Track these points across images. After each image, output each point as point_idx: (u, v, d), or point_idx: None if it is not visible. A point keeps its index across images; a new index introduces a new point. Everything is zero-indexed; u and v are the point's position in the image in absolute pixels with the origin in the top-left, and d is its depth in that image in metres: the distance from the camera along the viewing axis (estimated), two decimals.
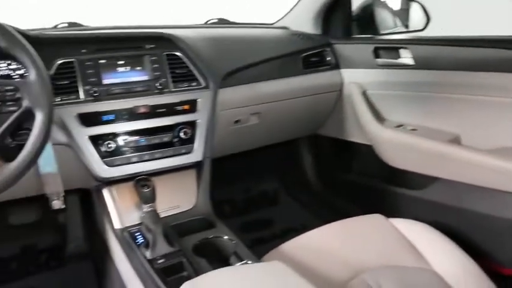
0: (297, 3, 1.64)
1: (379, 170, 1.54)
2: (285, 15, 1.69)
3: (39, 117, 0.81)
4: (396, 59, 1.40)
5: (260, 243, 1.69)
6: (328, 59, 1.55)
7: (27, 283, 1.48)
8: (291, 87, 1.46)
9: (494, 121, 1.21)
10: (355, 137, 1.60)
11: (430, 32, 1.44)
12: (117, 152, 1.08)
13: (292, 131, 1.70)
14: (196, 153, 1.18)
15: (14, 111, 0.81)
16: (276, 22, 1.72)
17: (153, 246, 0.98)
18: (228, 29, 1.56)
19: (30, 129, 0.82)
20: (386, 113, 1.49)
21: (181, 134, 1.15)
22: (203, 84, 1.21)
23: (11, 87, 0.83)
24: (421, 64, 1.33)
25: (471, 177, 1.22)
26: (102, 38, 1.16)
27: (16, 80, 0.96)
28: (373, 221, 1.14)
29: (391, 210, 1.28)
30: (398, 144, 1.38)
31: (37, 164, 0.93)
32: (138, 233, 1.07)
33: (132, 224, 1.11)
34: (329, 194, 1.86)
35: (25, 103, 0.81)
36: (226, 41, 1.40)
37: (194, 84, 1.20)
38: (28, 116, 0.82)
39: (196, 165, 1.23)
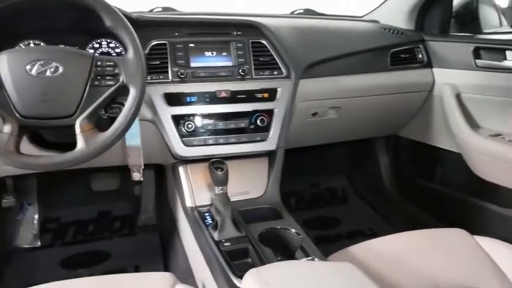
0: None
1: (466, 180, 1.43)
2: (376, 8, 1.62)
3: (132, 93, 0.86)
4: (500, 61, 1.27)
5: (325, 241, 1.63)
6: (419, 56, 1.45)
7: (99, 246, 1.60)
8: (375, 83, 1.39)
9: None
10: (442, 143, 1.50)
11: None
12: (195, 132, 1.11)
13: (371, 130, 1.63)
14: (271, 142, 1.17)
15: (111, 86, 0.86)
16: (366, 15, 1.65)
17: (221, 228, 0.99)
18: (313, 20, 1.52)
19: (122, 104, 0.89)
20: (481, 120, 1.37)
21: (258, 121, 1.15)
22: (285, 73, 1.19)
23: (110, 63, 0.87)
24: None
25: None
26: (193, 22, 1.19)
27: (115, 57, 1.01)
28: (456, 236, 1.04)
29: (475, 226, 1.16)
30: (492, 155, 1.27)
31: (124, 136, 0.98)
32: (208, 214, 1.09)
33: (203, 204, 1.13)
34: (404, 200, 1.75)
35: (121, 78, 0.87)
36: (311, 31, 1.37)
37: (276, 73, 1.19)
38: (123, 91, 0.87)
39: (270, 154, 1.22)
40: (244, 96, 1.14)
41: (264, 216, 1.12)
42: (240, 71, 1.14)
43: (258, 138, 1.16)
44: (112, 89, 0.86)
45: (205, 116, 1.11)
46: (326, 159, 1.86)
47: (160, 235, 1.62)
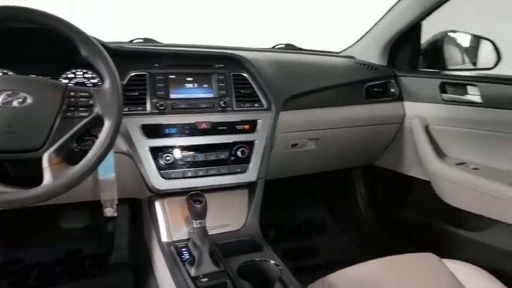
0: (364, 34, 1.54)
1: (435, 207, 1.39)
2: (351, 45, 1.60)
3: (107, 124, 0.77)
4: (463, 95, 1.27)
5: (304, 271, 1.54)
6: (392, 90, 1.42)
7: None
8: (352, 115, 1.34)
9: None
10: (413, 172, 1.46)
11: (500, 71, 1.29)
12: (174, 165, 1.00)
13: (349, 160, 1.56)
14: (251, 173, 1.08)
15: (84, 117, 0.77)
16: (343, 51, 1.62)
17: (198, 263, 0.88)
18: (294, 54, 1.47)
19: (96, 136, 0.78)
20: (448, 150, 1.35)
21: (238, 153, 1.06)
22: (265, 105, 1.12)
23: (85, 94, 0.78)
24: (489, 102, 1.19)
25: None
26: (175, 54, 1.11)
27: (90, 87, 0.92)
28: (425, 260, 1.02)
29: (444, 250, 1.16)
30: (458, 183, 1.24)
31: (97, 170, 0.87)
32: (185, 249, 0.98)
33: (180, 238, 1.01)
34: (379, 228, 1.69)
35: (96, 110, 0.77)
36: (291, 65, 1.31)
37: (256, 105, 1.11)
38: (97, 123, 0.78)
39: (250, 185, 1.12)
40: (224, 128, 1.05)
41: (243, 248, 1.01)
42: (221, 103, 1.05)
43: (238, 170, 1.07)
44: (85, 120, 0.76)
45: (184, 148, 1.01)
46: (305, 190, 1.78)
47: (133, 274, 1.45)
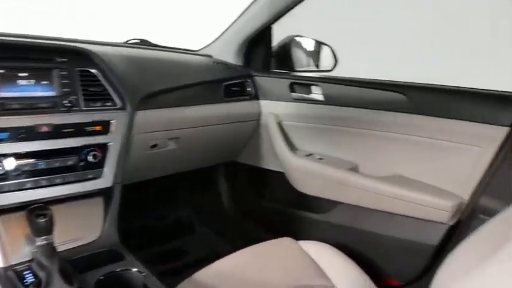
0: (221, 34, 1.55)
1: (290, 196, 1.50)
2: (209, 44, 1.60)
3: None
4: (309, 94, 1.41)
5: (173, 274, 1.50)
6: (248, 89, 1.47)
7: None
8: (211, 114, 1.35)
9: (385, 152, 1.27)
10: (270, 165, 1.55)
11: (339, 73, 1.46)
12: (8, 176, 0.84)
13: (211, 158, 1.58)
14: (106, 179, 0.99)
15: None
16: (200, 50, 1.61)
17: (46, 285, 0.77)
18: (149, 51, 1.40)
19: None
20: (298, 143, 1.47)
21: (90, 158, 0.96)
22: (119, 104, 1.02)
23: None
24: (329, 100, 1.34)
25: (365, 201, 1.26)
26: (5, 45, 0.93)
27: None
28: (283, 244, 1.10)
29: (300, 234, 1.25)
30: (307, 172, 1.37)
31: None
32: (28, 271, 0.84)
33: (21, 261, 0.87)
34: (243, 220, 1.76)
35: None
36: (147, 62, 1.25)
37: (109, 104, 1.01)
38: None
39: (105, 192, 1.03)
40: (71, 130, 0.92)
41: (102, 261, 0.93)
42: (65, 102, 0.92)
43: (91, 176, 0.96)
44: None
45: (21, 155, 0.85)
46: (170, 191, 1.72)
47: None
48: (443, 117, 1.12)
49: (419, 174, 1.21)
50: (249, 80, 1.47)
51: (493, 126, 1.04)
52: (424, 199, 1.13)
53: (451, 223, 1.14)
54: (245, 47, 1.51)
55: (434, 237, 1.16)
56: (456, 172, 1.13)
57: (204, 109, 1.32)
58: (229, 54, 1.52)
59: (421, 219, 1.16)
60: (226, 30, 1.52)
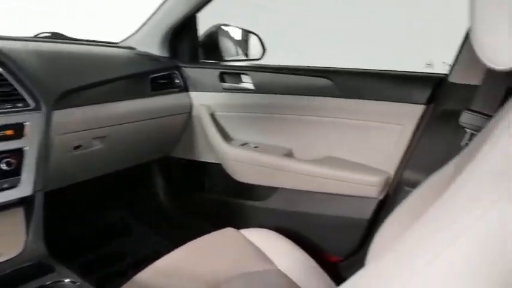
0: (143, 25, 1.47)
1: (228, 186, 1.50)
2: (131, 35, 1.50)
3: None
4: (239, 83, 1.41)
5: (112, 279, 1.42)
6: (176, 81, 1.43)
7: None
8: (139, 109, 1.28)
9: (316, 136, 1.32)
10: (206, 157, 1.53)
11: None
12: None
13: (142, 155, 1.51)
14: (24, 187, 0.90)
15: None
16: (121, 42, 1.51)
17: None
18: (63, 45, 1.28)
19: None
20: (233, 133, 1.47)
21: (3, 165, 0.86)
22: (32, 105, 0.93)
23: None
24: (259, 89, 1.36)
25: (301, 185, 1.30)
26: None
27: None
28: (225, 235, 1.10)
29: (241, 222, 1.26)
30: (243, 161, 1.37)
31: None
32: None
33: None
34: (183, 216, 1.72)
35: None
36: (62, 57, 1.15)
37: (20, 105, 0.91)
38: None
39: (25, 201, 0.94)
40: None
41: (28, 276, 0.84)
42: None
43: (6, 186, 0.87)
44: None
45: None
46: (103, 192, 1.62)
47: None
48: (367, 99, 1.20)
49: (348, 154, 1.28)
50: (176, 72, 1.43)
51: (411, 104, 1.14)
52: (355, 177, 1.21)
53: (381, 197, 1.22)
54: (169, 37, 1.46)
55: (367, 212, 1.24)
56: (382, 149, 1.22)
57: (131, 104, 1.25)
58: (153, 46, 1.46)
59: (354, 196, 1.23)
60: (148, 20, 1.45)
